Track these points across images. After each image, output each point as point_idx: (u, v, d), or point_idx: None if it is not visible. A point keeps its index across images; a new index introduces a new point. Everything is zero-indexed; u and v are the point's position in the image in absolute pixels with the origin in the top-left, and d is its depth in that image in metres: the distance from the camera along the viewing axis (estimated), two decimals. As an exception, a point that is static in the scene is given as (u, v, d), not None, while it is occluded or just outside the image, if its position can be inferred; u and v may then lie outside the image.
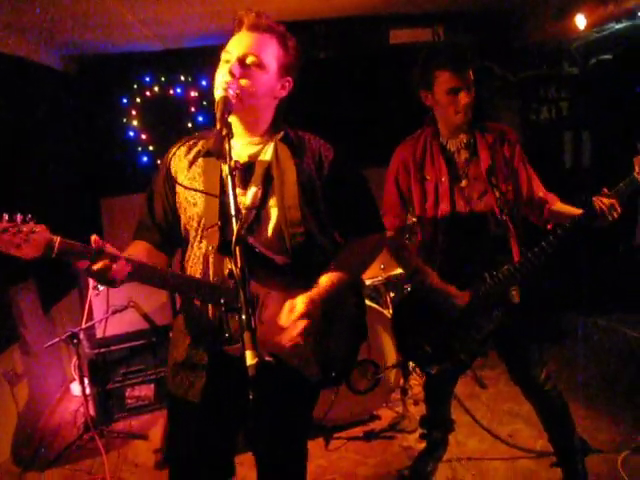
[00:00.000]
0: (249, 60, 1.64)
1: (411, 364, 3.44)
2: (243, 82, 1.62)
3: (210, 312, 1.70)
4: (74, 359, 3.56)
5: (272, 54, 1.68)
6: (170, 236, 1.80)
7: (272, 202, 1.70)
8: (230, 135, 1.49)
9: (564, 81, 4.77)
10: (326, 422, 3.25)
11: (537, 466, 2.86)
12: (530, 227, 2.47)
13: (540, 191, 2.42)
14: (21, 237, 1.40)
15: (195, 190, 1.72)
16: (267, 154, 1.74)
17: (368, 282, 3.67)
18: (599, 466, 2.77)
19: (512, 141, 2.39)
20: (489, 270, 2.31)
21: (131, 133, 4.76)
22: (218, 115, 1.53)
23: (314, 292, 1.68)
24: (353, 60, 4.58)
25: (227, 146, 1.47)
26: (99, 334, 3.68)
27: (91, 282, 3.52)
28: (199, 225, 1.71)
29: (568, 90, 4.77)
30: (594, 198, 2.17)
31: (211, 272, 1.68)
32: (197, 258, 1.72)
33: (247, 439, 1.93)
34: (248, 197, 1.71)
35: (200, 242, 1.72)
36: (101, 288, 3.64)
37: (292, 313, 1.63)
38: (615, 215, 2.15)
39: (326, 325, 1.76)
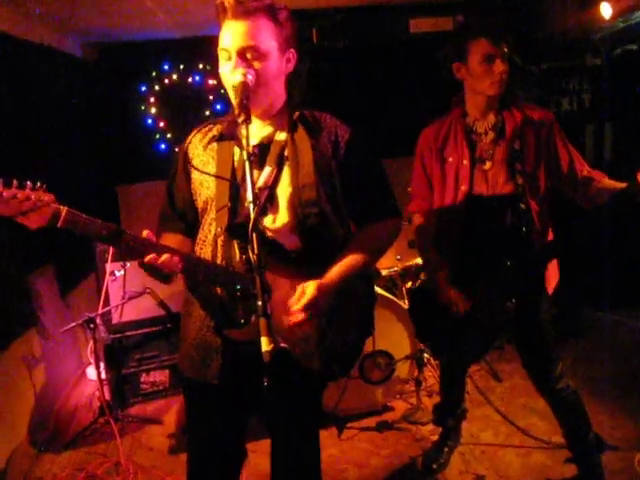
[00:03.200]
0: (249, 54, 1.59)
1: (426, 356, 3.42)
2: (250, 76, 1.58)
3: (219, 295, 1.69)
4: (90, 344, 3.60)
5: (268, 35, 1.62)
6: (193, 223, 1.80)
7: (286, 181, 1.68)
8: (248, 121, 1.48)
9: (587, 72, 4.68)
10: (339, 412, 3.25)
11: (552, 461, 2.83)
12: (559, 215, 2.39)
13: (584, 169, 2.29)
14: (28, 205, 1.39)
15: (206, 173, 1.71)
16: (282, 134, 1.72)
17: (384, 272, 3.66)
18: (615, 463, 2.74)
19: (547, 121, 2.27)
20: (508, 258, 2.22)
21: (149, 121, 4.79)
22: (237, 101, 1.52)
23: (327, 279, 1.65)
24: (372, 49, 4.55)
25: (245, 132, 1.46)
26: (115, 319, 3.71)
27: (108, 268, 3.55)
28: (210, 207, 1.71)
29: (591, 82, 4.68)
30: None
31: (219, 254, 1.67)
32: (207, 240, 1.72)
33: (265, 425, 1.93)
34: (262, 177, 1.69)
35: (210, 224, 1.71)
36: (118, 274, 3.67)
37: (302, 298, 1.60)
38: None
39: (334, 316, 1.73)
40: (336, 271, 1.68)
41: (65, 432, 3.42)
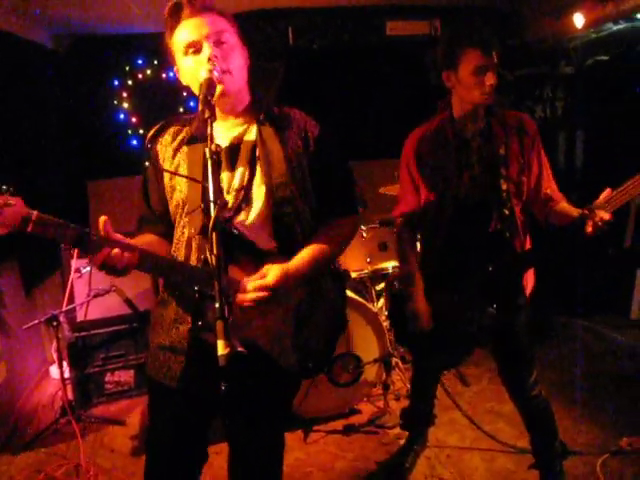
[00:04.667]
0: (223, 38, 1.61)
1: (394, 359, 3.42)
2: (217, 73, 1.56)
3: (191, 297, 1.66)
4: (54, 342, 3.52)
5: (227, 29, 1.64)
6: (171, 224, 1.77)
7: (259, 181, 1.67)
8: (213, 118, 1.47)
9: (560, 80, 4.75)
10: (305, 414, 3.23)
11: (516, 466, 2.84)
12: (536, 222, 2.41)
13: (549, 188, 2.31)
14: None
15: (178, 175, 1.69)
16: (252, 134, 1.70)
17: (354, 275, 3.64)
18: (578, 468, 2.76)
19: (530, 131, 2.29)
20: (490, 263, 2.25)
21: (121, 116, 4.71)
22: (201, 97, 1.50)
23: (291, 265, 1.64)
24: (349, 51, 4.54)
25: (210, 129, 1.45)
26: (80, 317, 3.64)
27: (73, 264, 3.48)
28: (183, 210, 1.69)
29: (564, 90, 4.75)
30: (591, 218, 2.02)
31: (193, 256, 1.66)
32: (181, 243, 1.71)
33: (224, 428, 1.90)
34: (236, 178, 1.68)
35: (184, 227, 1.70)
36: (84, 271, 3.60)
37: (261, 280, 1.59)
38: (605, 228, 2.03)
39: (305, 314, 1.73)
40: (301, 258, 1.67)
41: (25, 432, 3.33)
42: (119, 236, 1.50)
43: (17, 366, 3.63)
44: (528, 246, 2.35)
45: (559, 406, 3.24)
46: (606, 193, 2.03)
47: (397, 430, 3.15)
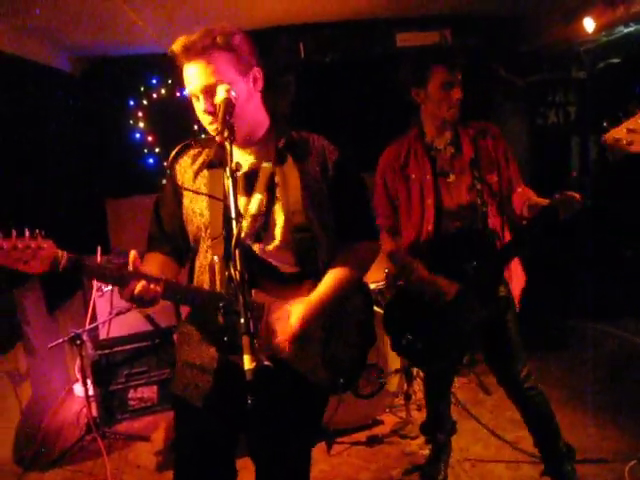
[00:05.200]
0: (213, 89, 1.59)
1: (415, 369, 3.41)
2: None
3: (220, 319, 1.67)
4: (77, 360, 3.56)
5: (226, 67, 1.60)
6: (181, 246, 1.81)
7: (277, 208, 1.70)
8: (232, 137, 1.49)
9: (572, 85, 4.74)
10: (328, 426, 3.23)
11: (541, 474, 2.81)
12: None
13: (519, 187, 2.47)
14: (29, 253, 1.42)
15: (201, 194, 1.72)
16: (270, 160, 1.73)
17: (372, 286, 3.65)
18: (605, 476, 2.74)
19: (496, 135, 2.46)
20: (473, 263, 2.34)
21: (137, 135, 4.77)
22: (220, 117, 1.52)
23: (311, 303, 1.68)
24: (360, 64, 4.57)
25: (229, 148, 1.46)
26: (102, 335, 3.69)
27: (95, 284, 3.53)
28: (206, 235, 1.72)
29: (576, 94, 4.74)
30: (557, 196, 2.13)
31: (218, 281, 1.68)
32: (204, 267, 1.73)
33: (248, 445, 1.91)
34: (253, 204, 1.71)
35: (206, 252, 1.72)
36: (105, 290, 3.65)
37: (284, 331, 1.66)
38: (578, 206, 2.11)
39: (333, 330, 1.76)
40: (324, 287, 1.70)
41: (51, 450, 3.38)
42: (146, 268, 1.56)
43: (42, 385, 3.68)
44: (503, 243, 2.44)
45: (584, 413, 3.22)
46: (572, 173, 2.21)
47: (420, 440, 3.14)
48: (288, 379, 1.68)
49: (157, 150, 4.76)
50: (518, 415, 3.01)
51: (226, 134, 1.48)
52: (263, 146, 1.74)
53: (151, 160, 4.79)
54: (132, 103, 4.73)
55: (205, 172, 1.75)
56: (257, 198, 1.71)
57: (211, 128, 1.65)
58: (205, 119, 1.64)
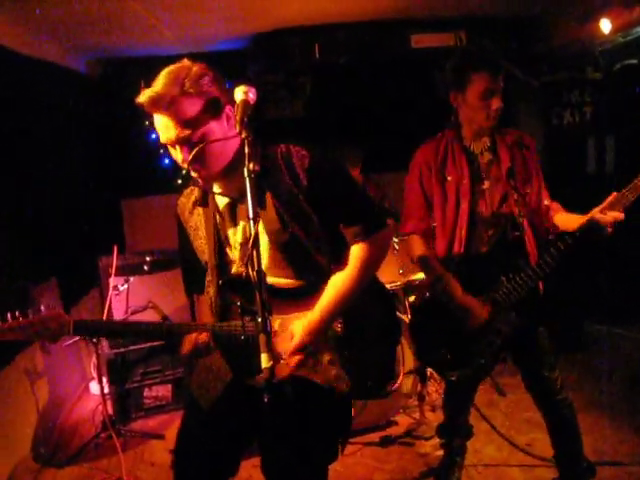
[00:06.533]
0: (188, 141, 1.56)
1: (429, 370, 3.41)
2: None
3: (240, 342, 1.71)
4: (93, 358, 3.60)
5: (197, 115, 1.55)
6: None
7: (261, 229, 1.65)
8: (250, 138, 1.44)
9: (588, 85, 4.71)
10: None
11: (555, 475, 2.80)
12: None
13: (546, 199, 2.43)
14: (39, 327, 1.65)
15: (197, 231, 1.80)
16: (245, 187, 1.61)
17: (386, 287, 3.64)
18: (621, 478, 2.72)
19: (530, 147, 2.42)
20: (507, 273, 2.29)
21: (153, 135, 4.81)
22: (238, 118, 1.48)
23: (313, 317, 1.67)
24: (374, 65, 4.58)
25: (248, 148, 1.42)
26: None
27: (111, 282, 3.56)
28: (208, 270, 1.78)
29: (592, 95, 4.71)
30: (595, 214, 2.14)
31: (213, 312, 1.75)
32: (207, 300, 1.79)
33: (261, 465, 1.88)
34: (239, 233, 1.73)
35: (208, 286, 1.78)
36: (121, 288, 3.68)
37: (291, 342, 1.66)
38: (610, 229, 2.12)
39: (354, 336, 1.74)
40: (325, 299, 1.68)
41: (68, 447, 3.42)
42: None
43: (58, 383, 3.72)
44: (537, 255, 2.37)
45: (601, 415, 3.20)
46: (612, 195, 2.16)
47: (434, 441, 3.13)
48: (306, 394, 1.66)
49: (172, 150, 4.79)
50: (533, 416, 2.99)
51: (244, 134, 1.44)
52: (237, 174, 1.56)
53: (167, 160, 4.83)
54: (148, 104, 4.76)
55: (199, 210, 1.79)
56: (241, 226, 1.72)
57: (193, 174, 1.63)
58: (184, 165, 1.60)
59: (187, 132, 1.55)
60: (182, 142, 1.56)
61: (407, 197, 2.50)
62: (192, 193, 1.81)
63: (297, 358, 1.65)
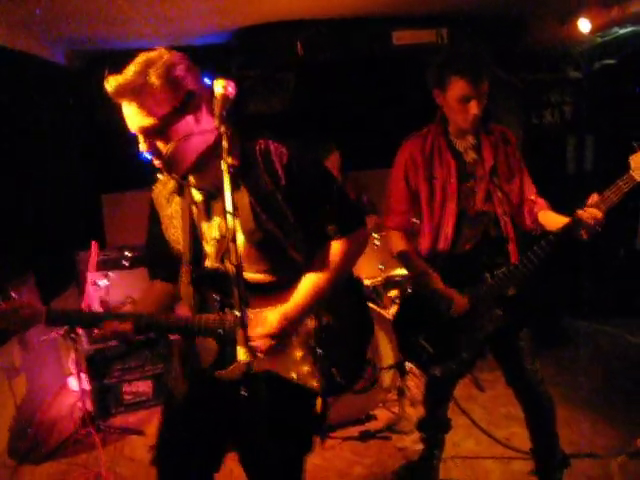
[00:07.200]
0: (153, 131, 1.54)
1: (408, 365, 3.43)
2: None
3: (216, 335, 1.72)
4: (72, 354, 3.57)
5: (163, 106, 1.52)
6: (177, 268, 1.81)
7: (237, 226, 1.63)
8: (228, 132, 1.44)
9: (568, 85, 4.77)
10: (322, 421, 3.25)
11: (531, 468, 2.84)
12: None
13: (531, 194, 2.43)
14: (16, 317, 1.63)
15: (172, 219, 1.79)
16: (220, 182, 1.62)
17: (367, 282, 3.67)
18: (595, 470, 2.78)
19: (512, 142, 2.44)
20: (489, 271, 2.32)
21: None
22: (216, 112, 1.47)
23: (290, 305, 1.67)
24: (355, 61, 4.58)
25: (226, 143, 1.42)
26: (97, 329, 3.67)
27: (89, 278, 3.53)
28: (182, 261, 1.76)
29: (572, 94, 4.77)
30: (579, 212, 2.14)
31: (192, 303, 1.73)
32: (182, 291, 1.77)
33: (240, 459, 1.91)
34: (214, 228, 1.73)
35: (181, 276, 1.76)
36: (101, 284, 3.65)
37: (263, 327, 1.65)
38: (598, 228, 2.12)
39: (326, 333, 1.74)
40: (300, 294, 1.69)
41: (46, 443, 3.38)
42: (127, 307, 1.64)
43: (36, 378, 3.68)
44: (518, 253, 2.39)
45: (576, 408, 3.25)
46: (594, 196, 2.15)
47: (413, 435, 3.16)
48: (279, 390, 1.66)
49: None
50: (511, 411, 3.04)
51: (223, 129, 1.43)
52: (212, 166, 1.58)
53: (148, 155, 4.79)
54: (129, 97, 4.72)
55: (177, 198, 1.77)
56: (216, 221, 1.71)
57: (156, 164, 1.61)
58: (148, 155, 1.59)
59: (152, 122, 1.52)
60: (147, 132, 1.54)
61: (391, 190, 2.50)
62: (169, 181, 1.79)
63: (269, 343, 1.63)
